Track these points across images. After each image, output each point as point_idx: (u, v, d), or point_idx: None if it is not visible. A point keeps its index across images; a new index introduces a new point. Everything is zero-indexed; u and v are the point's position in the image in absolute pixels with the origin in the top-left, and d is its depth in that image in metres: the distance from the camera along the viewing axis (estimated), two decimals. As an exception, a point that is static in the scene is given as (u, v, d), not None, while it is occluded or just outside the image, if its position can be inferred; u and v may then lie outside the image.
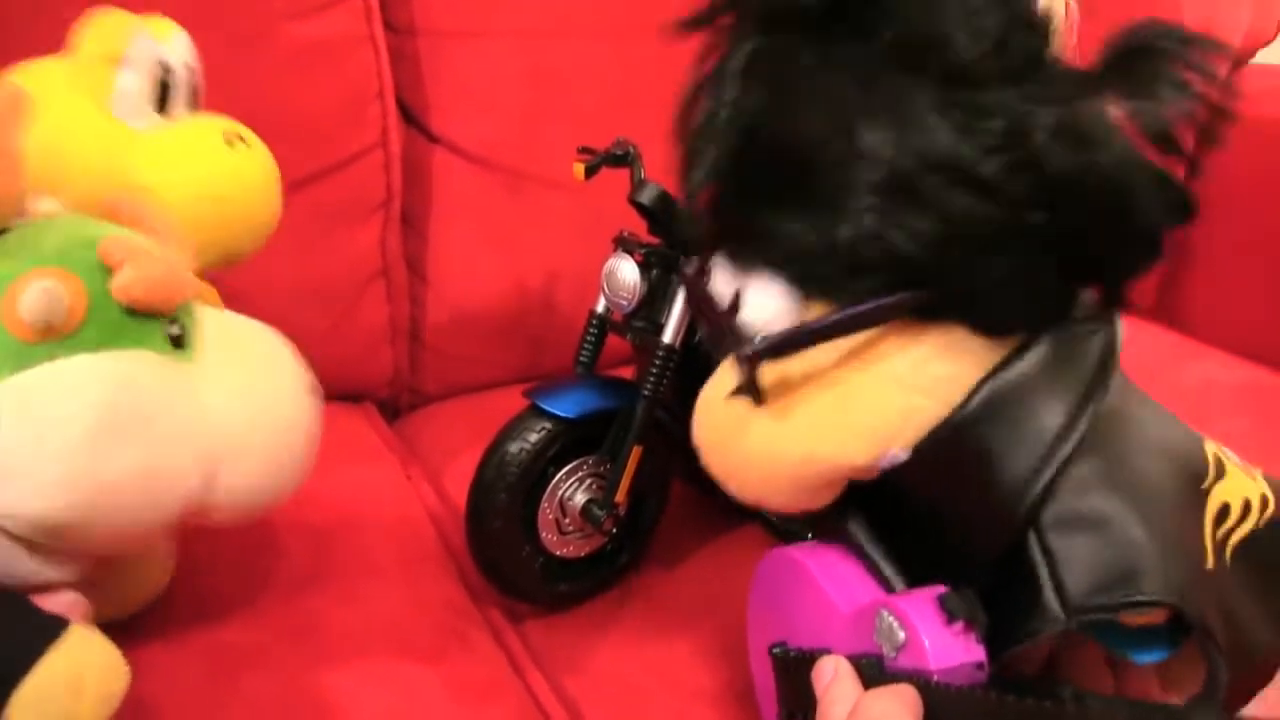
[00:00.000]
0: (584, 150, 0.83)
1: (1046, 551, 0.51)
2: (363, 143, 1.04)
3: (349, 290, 1.06)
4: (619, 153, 0.81)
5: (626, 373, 0.87)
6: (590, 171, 0.81)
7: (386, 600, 0.79)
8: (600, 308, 0.82)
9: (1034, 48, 0.50)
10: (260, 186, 0.77)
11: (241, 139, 0.76)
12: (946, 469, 0.53)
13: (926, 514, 0.56)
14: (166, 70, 0.74)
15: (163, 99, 0.74)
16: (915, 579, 0.56)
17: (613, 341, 0.84)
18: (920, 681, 0.50)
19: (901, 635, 0.51)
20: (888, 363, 0.52)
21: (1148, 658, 0.53)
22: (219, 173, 0.74)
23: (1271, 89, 1.20)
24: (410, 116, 1.08)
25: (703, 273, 0.57)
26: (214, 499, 0.61)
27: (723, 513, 0.91)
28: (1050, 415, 0.52)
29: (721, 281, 0.56)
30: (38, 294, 0.54)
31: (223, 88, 0.89)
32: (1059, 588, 0.50)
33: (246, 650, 0.72)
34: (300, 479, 0.66)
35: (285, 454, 0.64)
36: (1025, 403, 0.52)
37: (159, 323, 0.58)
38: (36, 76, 0.73)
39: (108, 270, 0.56)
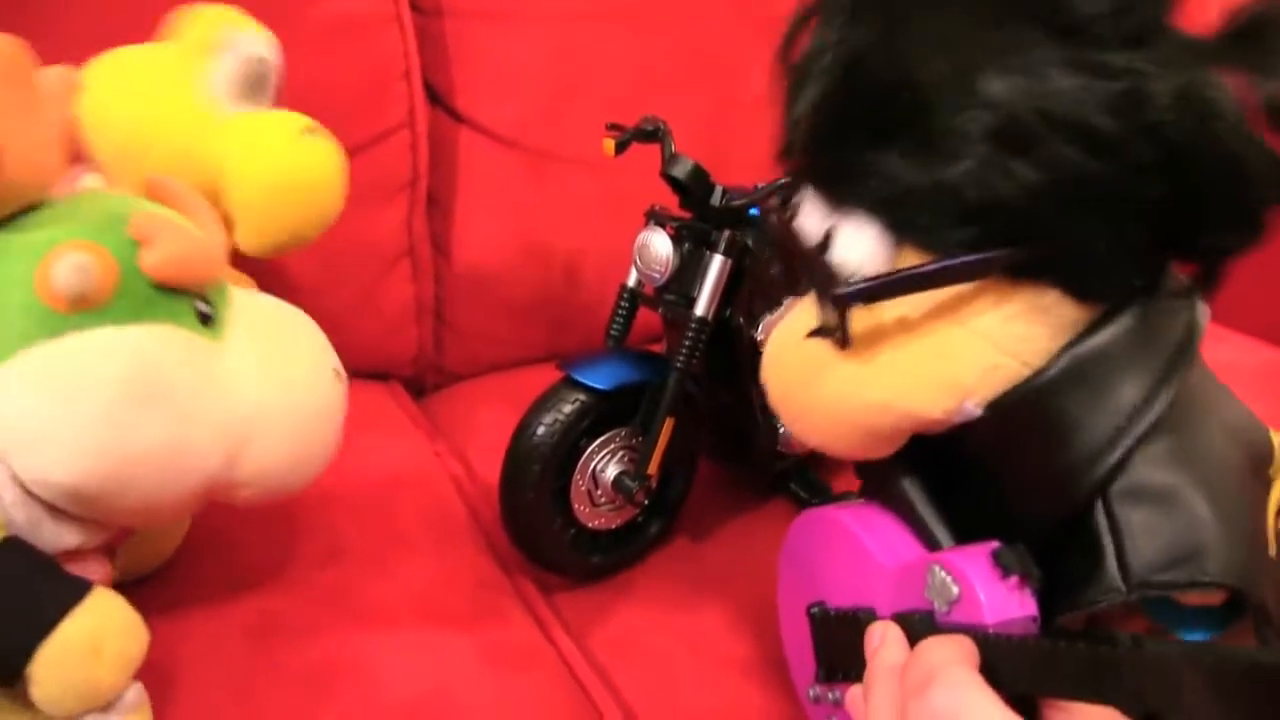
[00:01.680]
0: (613, 126, 0.83)
1: (1113, 522, 0.51)
2: (389, 123, 1.04)
3: (375, 269, 1.07)
4: (649, 129, 0.82)
5: (655, 350, 0.87)
6: (620, 147, 0.82)
7: (419, 572, 0.80)
8: (632, 281, 0.83)
9: (1157, 12, 0.49)
10: (331, 176, 0.79)
11: (316, 133, 0.78)
12: (1020, 429, 0.53)
13: (989, 474, 0.55)
14: (262, 63, 0.78)
15: (253, 90, 0.78)
16: (965, 540, 0.56)
17: (641, 319, 0.84)
18: (976, 635, 0.49)
19: (955, 590, 0.51)
20: (977, 319, 0.51)
21: (1193, 637, 0.52)
22: (296, 160, 0.77)
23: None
24: (436, 97, 1.08)
25: (790, 207, 0.56)
26: (238, 477, 0.62)
27: (749, 486, 0.92)
28: (1130, 388, 0.51)
29: (811, 219, 0.54)
30: (70, 267, 0.54)
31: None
32: (1122, 560, 0.50)
33: (282, 620, 0.73)
34: (325, 463, 0.67)
35: (311, 437, 0.65)
36: (1106, 373, 0.51)
37: (188, 299, 0.59)
38: (138, 56, 0.77)
39: (138, 245, 0.57)
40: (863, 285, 0.51)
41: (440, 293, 1.11)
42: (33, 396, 0.54)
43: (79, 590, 0.57)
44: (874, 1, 0.51)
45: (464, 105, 1.08)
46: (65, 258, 0.54)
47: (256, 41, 0.78)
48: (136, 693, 0.61)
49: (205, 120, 0.76)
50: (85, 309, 0.55)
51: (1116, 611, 0.53)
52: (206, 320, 0.60)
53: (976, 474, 0.56)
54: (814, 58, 0.52)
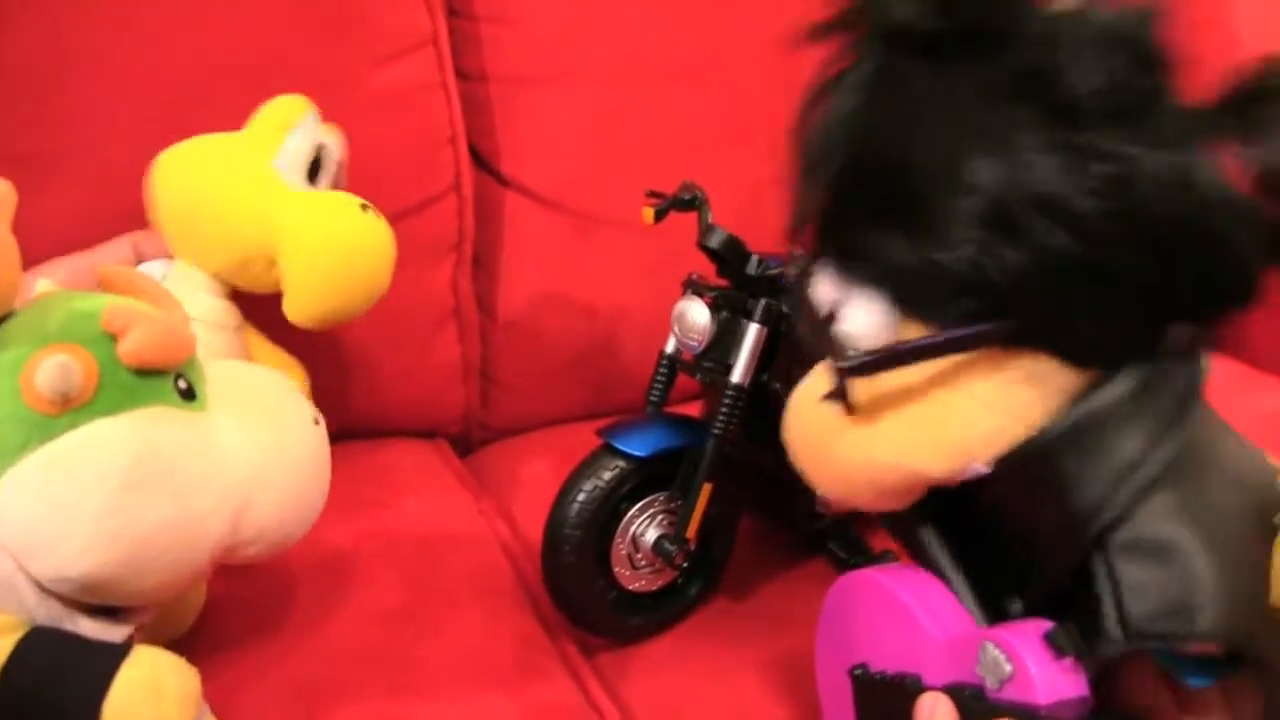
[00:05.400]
0: (652, 194, 0.84)
1: (1112, 575, 0.53)
2: (436, 187, 1.07)
3: (423, 330, 1.09)
4: (686, 197, 0.83)
5: (693, 407, 0.89)
6: (659, 215, 0.83)
7: (464, 633, 0.81)
8: (670, 348, 0.84)
9: (1152, 87, 0.51)
10: (384, 248, 0.84)
11: (371, 209, 0.83)
12: (1024, 487, 0.55)
13: (999, 527, 0.58)
14: (323, 149, 0.84)
15: (312, 173, 0.84)
16: (981, 587, 0.59)
17: (683, 376, 0.85)
18: (1026, 715, 0.51)
19: (1008, 668, 0.52)
20: (976, 384, 0.54)
21: (1197, 682, 0.54)
22: (353, 229, 0.82)
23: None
24: (482, 161, 1.11)
25: (806, 275, 0.59)
26: (244, 537, 0.64)
27: (790, 547, 0.93)
28: (1128, 444, 0.53)
29: (824, 288, 0.57)
30: (52, 369, 0.56)
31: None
32: (1121, 611, 0.52)
33: (328, 682, 0.75)
34: (321, 506, 0.69)
35: (306, 486, 0.68)
36: (1105, 431, 0.53)
37: (168, 379, 0.61)
38: (214, 137, 0.84)
39: (112, 338, 0.59)
40: (860, 360, 0.54)
41: (486, 351, 1.13)
42: (40, 499, 0.56)
43: (122, 649, 0.60)
44: (882, 86, 0.54)
45: (509, 168, 1.10)
46: (45, 362, 0.56)
47: (320, 128, 0.85)
48: None
49: (273, 187, 0.80)
50: (73, 407, 0.57)
51: (1127, 660, 0.55)
52: (188, 395, 0.62)
53: (991, 524, 0.58)
54: (822, 137, 0.55)
